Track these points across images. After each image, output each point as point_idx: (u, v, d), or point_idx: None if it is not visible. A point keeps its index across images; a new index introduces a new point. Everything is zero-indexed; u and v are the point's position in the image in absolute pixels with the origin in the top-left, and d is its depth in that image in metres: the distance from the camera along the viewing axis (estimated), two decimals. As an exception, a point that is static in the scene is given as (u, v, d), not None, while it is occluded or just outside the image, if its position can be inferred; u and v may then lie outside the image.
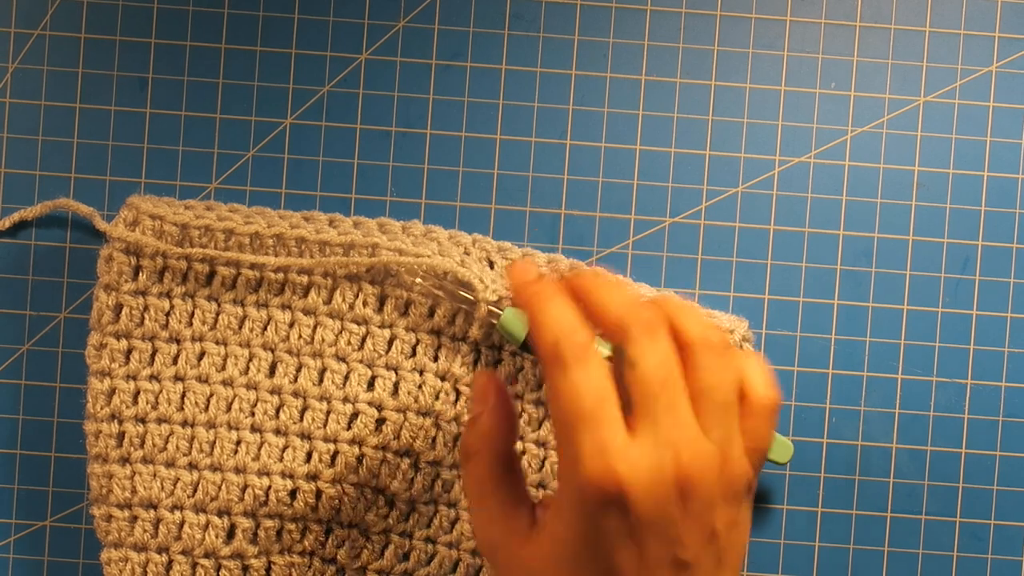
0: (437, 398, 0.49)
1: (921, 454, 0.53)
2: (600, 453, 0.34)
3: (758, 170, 0.53)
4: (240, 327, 0.50)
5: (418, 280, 0.48)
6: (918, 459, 0.53)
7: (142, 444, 0.49)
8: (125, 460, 0.49)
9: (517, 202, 0.53)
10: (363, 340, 0.49)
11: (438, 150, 0.53)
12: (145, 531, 0.49)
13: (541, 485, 0.50)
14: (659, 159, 0.53)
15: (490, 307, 0.48)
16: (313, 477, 0.49)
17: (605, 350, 0.48)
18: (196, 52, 0.52)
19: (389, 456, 0.49)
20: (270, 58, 0.52)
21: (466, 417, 0.49)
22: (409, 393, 0.49)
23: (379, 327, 0.49)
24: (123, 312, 0.49)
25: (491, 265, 0.50)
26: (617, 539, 0.35)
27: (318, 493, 0.49)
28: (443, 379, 0.49)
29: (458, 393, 0.49)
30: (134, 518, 0.49)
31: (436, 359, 0.49)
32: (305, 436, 0.49)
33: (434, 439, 0.49)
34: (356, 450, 0.49)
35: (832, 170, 0.53)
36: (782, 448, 0.49)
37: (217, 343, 0.49)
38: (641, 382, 0.35)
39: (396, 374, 0.49)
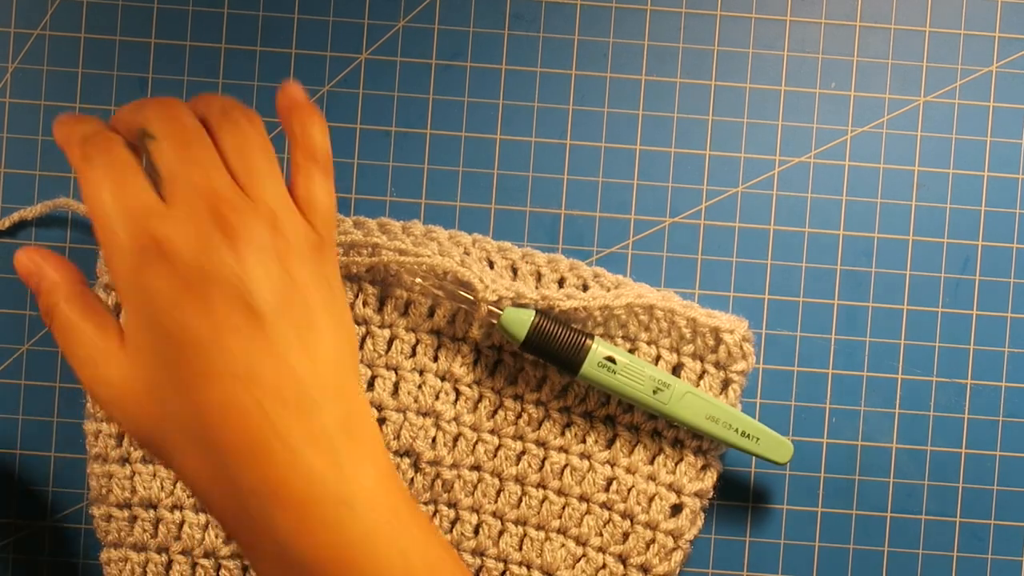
0: (437, 398, 0.49)
1: (921, 454, 0.53)
2: (132, 218, 0.34)
3: (758, 170, 0.53)
4: None
5: (418, 280, 0.48)
6: (918, 459, 0.53)
7: None
8: (125, 460, 0.49)
9: (517, 202, 0.53)
10: (363, 340, 0.49)
11: (438, 150, 0.53)
12: (145, 531, 0.49)
13: (542, 485, 0.50)
14: (659, 159, 0.53)
15: (490, 307, 0.48)
16: None
17: (605, 350, 0.48)
18: (196, 52, 0.52)
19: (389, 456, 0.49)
20: (270, 58, 0.52)
21: (464, 415, 0.49)
22: (409, 393, 0.49)
23: (379, 327, 0.49)
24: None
25: (491, 265, 0.50)
26: (179, 303, 0.34)
27: None
28: (443, 379, 0.49)
29: (458, 393, 0.49)
30: (134, 518, 0.49)
31: (436, 359, 0.49)
32: None
33: (434, 439, 0.49)
34: None
35: (832, 170, 0.53)
36: (781, 448, 0.49)
37: None
38: (161, 149, 0.36)
39: (396, 374, 0.49)
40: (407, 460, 0.49)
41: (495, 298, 0.48)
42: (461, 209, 0.52)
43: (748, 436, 0.48)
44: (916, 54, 0.53)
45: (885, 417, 0.53)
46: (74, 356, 0.37)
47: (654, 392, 0.48)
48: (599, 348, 0.48)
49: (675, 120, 0.53)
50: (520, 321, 0.47)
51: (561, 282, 0.50)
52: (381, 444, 0.37)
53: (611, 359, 0.48)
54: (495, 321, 0.47)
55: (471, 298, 0.48)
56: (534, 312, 0.47)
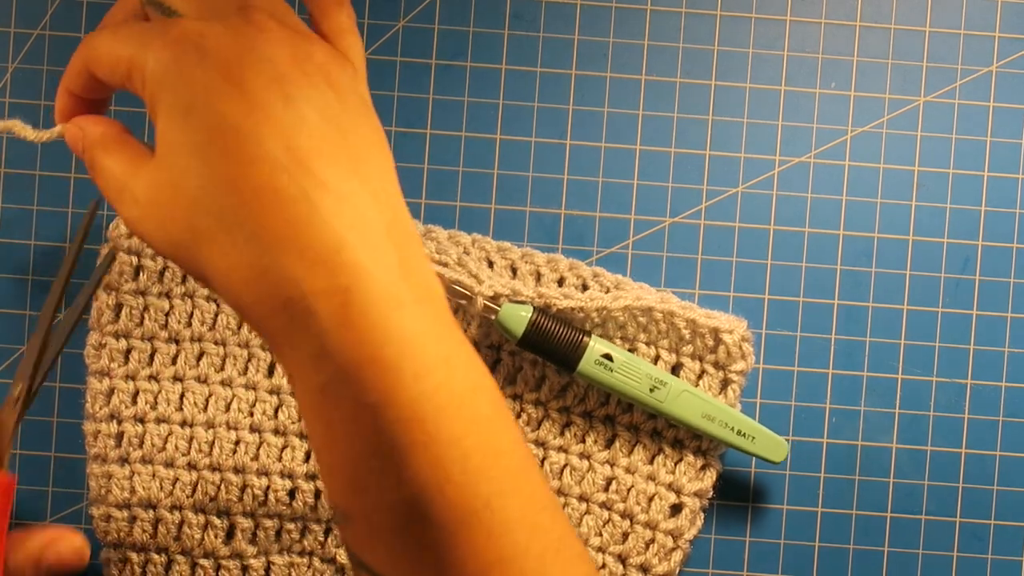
0: None
1: (921, 454, 0.53)
2: (163, 25, 0.35)
3: (758, 170, 0.53)
4: (239, 327, 0.50)
5: None
6: (918, 459, 0.53)
7: (141, 444, 0.49)
8: (124, 460, 0.49)
9: (517, 202, 0.53)
10: None
11: (438, 150, 0.53)
12: (144, 531, 0.49)
13: None
14: (659, 159, 0.53)
15: (487, 303, 0.48)
16: (312, 477, 0.49)
17: (602, 347, 0.48)
18: (196, 52, 0.52)
19: None
20: (270, 58, 0.52)
21: None
22: None
23: None
24: (123, 312, 0.49)
25: (490, 265, 0.50)
26: (218, 91, 0.33)
27: (317, 493, 0.49)
28: None
29: None
30: (133, 518, 0.49)
31: None
32: (304, 436, 0.49)
33: None
34: None
35: (832, 170, 0.53)
36: (777, 447, 0.49)
37: (216, 343, 0.49)
38: None
39: None
40: None
41: (492, 294, 0.48)
42: (461, 209, 0.52)
43: (744, 435, 0.48)
44: (916, 54, 0.53)
45: (885, 417, 0.52)
46: (107, 190, 0.36)
47: (651, 390, 0.48)
48: (596, 345, 0.48)
49: (675, 120, 0.53)
50: (518, 317, 0.47)
51: (560, 282, 0.50)
52: (427, 260, 0.36)
53: (608, 356, 0.48)
54: (492, 317, 0.47)
55: (468, 294, 0.48)
56: (532, 308, 0.47)
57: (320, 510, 0.49)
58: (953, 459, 0.52)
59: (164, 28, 0.34)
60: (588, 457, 0.49)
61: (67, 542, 0.44)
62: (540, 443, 0.49)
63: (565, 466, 0.49)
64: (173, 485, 0.49)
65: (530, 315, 0.47)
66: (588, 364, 0.47)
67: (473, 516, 0.33)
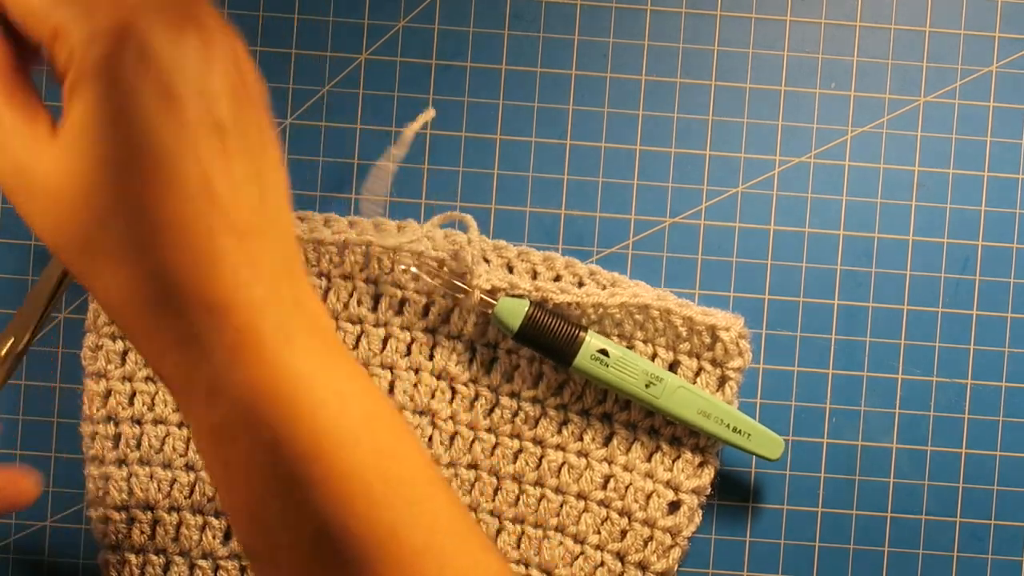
0: (433, 396, 0.49)
1: (921, 454, 0.53)
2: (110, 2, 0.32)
3: (758, 170, 0.53)
4: None
5: (412, 268, 0.48)
6: (918, 459, 0.53)
7: (138, 445, 0.49)
8: (122, 462, 0.49)
9: (517, 202, 0.53)
10: (358, 339, 0.49)
11: (438, 150, 0.53)
12: (143, 533, 0.49)
13: (539, 483, 0.49)
14: (659, 159, 0.53)
15: (484, 296, 0.48)
16: None
17: (598, 342, 0.48)
18: (196, 52, 0.52)
19: None
20: (270, 58, 0.52)
21: (460, 413, 0.49)
22: (405, 392, 0.49)
23: (374, 326, 0.49)
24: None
25: (487, 262, 0.50)
26: (154, 107, 0.31)
27: None
28: (439, 378, 0.49)
29: (454, 391, 0.49)
30: (131, 520, 0.49)
31: (431, 357, 0.49)
32: None
33: (430, 438, 0.49)
34: None
35: (832, 170, 0.53)
36: (772, 444, 0.49)
37: None
38: None
39: (392, 373, 0.49)
40: None
41: (489, 288, 0.48)
42: (461, 209, 0.52)
43: (739, 432, 0.48)
44: (916, 54, 0.53)
45: (885, 417, 0.52)
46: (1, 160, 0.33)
47: (646, 386, 0.48)
48: (592, 340, 0.48)
49: (675, 120, 0.53)
50: (514, 311, 0.47)
51: (557, 279, 0.50)
52: (316, 294, 0.35)
53: (604, 352, 0.48)
54: (489, 311, 0.47)
55: (465, 287, 0.48)
56: (528, 303, 0.47)
57: None
58: (953, 459, 0.52)
59: (117, 10, 0.31)
60: (586, 455, 0.49)
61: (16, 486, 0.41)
62: (538, 441, 0.49)
63: (563, 464, 0.49)
64: (171, 486, 0.49)
65: (526, 309, 0.47)
66: (584, 359, 0.47)
67: (379, 548, 0.33)
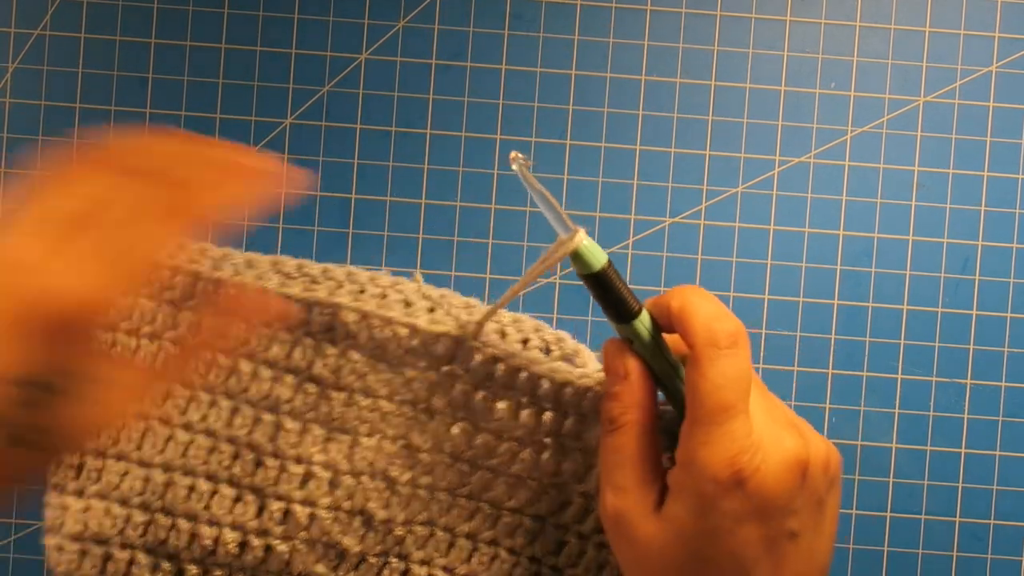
0: (392, 464, 0.48)
1: (921, 454, 0.53)
2: (731, 442, 0.35)
3: (758, 170, 0.53)
4: (206, 372, 0.48)
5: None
6: (918, 459, 0.53)
7: (99, 479, 0.49)
8: (80, 493, 0.49)
9: (517, 202, 0.53)
10: (318, 401, 0.47)
11: (438, 150, 0.53)
12: (94, 566, 0.48)
13: (494, 542, 0.48)
14: (659, 159, 0.53)
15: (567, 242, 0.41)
16: (263, 533, 0.48)
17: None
18: (196, 52, 0.52)
19: (342, 516, 0.47)
20: (270, 58, 0.52)
21: (421, 477, 0.48)
22: (364, 458, 0.47)
23: (335, 390, 0.47)
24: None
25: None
26: (740, 520, 0.36)
27: (267, 547, 0.48)
28: (398, 444, 0.48)
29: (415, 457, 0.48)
30: (83, 552, 0.48)
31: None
32: (257, 491, 0.48)
33: (387, 500, 0.48)
34: (308, 510, 0.47)
35: (832, 170, 0.53)
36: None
37: (183, 385, 0.48)
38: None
39: (352, 438, 0.47)
40: (359, 519, 0.48)
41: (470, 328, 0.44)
42: (461, 209, 0.52)
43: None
44: (916, 54, 0.53)
45: (885, 417, 0.53)
46: (609, 481, 0.38)
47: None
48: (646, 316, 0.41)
49: (675, 120, 0.53)
50: (597, 253, 0.39)
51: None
52: None
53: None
54: (581, 244, 0.39)
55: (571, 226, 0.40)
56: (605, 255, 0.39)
57: (271, 563, 0.48)
58: (953, 459, 0.53)
59: (732, 464, 0.36)
60: (544, 519, 0.48)
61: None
62: (496, 503, 0.48)
63: (519, 526, 0.48)
64: (125, 523, 0.48)
65: (606, 258, 0.39)
66: (642, 323, 0.41)
67: None
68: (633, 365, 0.39)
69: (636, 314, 0.40)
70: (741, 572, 0.36)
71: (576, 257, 0.39)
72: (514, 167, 0.38)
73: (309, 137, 0.52)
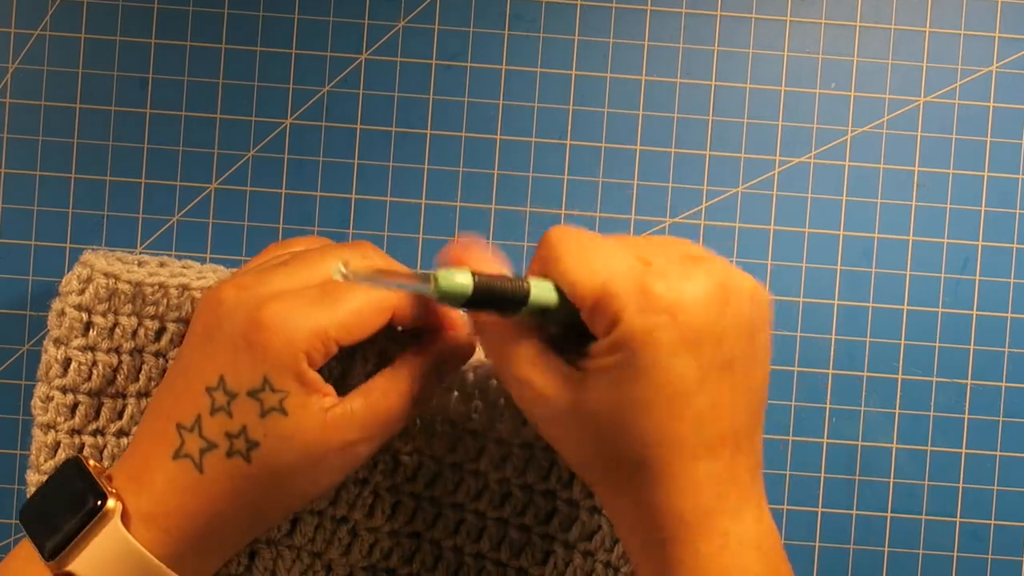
0: (376, 467, 0.47)
1: (921, 454, 0.53)
2: (632, 272, 0.37)
3: (758, 170, 0.53)
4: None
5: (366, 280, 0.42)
6: (918, 459, 0.53)
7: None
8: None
9: (517, 202, 0.53)
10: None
11: (438, 150, 0.53)
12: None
13: (479, 555, 0.48)
14: (659, 159, 0.53)
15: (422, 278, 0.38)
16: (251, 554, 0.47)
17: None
18: (196, 52, 0.52)
19: (326, 523, 0.47)
20: (270, 58, 0.52)
21: (403, 484, 0.48)
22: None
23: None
24: (71, 367, 0.47)
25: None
26: (674, 353, 0.36)
27: (251, 554, 0.47)
28: (382, 449, 0.47)
29: (397, 462, 0.47)
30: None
31: None
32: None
33: (372, 506, 0.47)
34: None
35: (832, 170, 0.53)
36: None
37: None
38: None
39: None
40: (345, 527, 0.47)
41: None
42: (461, 209, 0.52)
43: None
44: (916, 54, 0.53)
45: (885, 417, 0.53)
46: (511, 376, 0.40)
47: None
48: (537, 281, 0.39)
49: (675, 120, 0.53)
50: (459, 279, 0.38)
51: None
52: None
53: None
54: (432, 286, 0.38)
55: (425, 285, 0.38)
56: (468, 272, 0.38)
57: (255, 571, 0.48)
58: (953, 459, 0.53)
59: (638, 279, 0.37)
60: (528, 530, 0.47)
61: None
62: (480, 513, 0.47)
63: (504, 538, 0.47)
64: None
65: (469, 275, 0.38)
66: (539, 294, 0.39)
67: None
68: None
69: (527, 295, 0.39)
70: (676, 409, 0.36)
71: (444, 297, 0.38)
72: (337, 278, 0.38)
73: (309, 137, 0.52)
